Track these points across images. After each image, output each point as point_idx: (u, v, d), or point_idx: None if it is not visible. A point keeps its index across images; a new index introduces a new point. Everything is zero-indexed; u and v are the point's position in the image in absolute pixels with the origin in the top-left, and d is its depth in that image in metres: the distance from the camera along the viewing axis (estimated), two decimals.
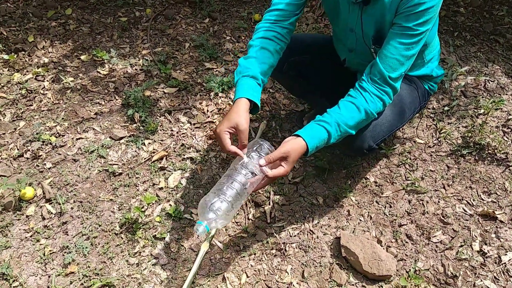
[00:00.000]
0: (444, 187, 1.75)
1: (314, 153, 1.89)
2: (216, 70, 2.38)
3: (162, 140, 2.01)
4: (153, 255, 1.60)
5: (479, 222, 1.64)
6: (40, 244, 1.63)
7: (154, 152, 1.95)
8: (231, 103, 1.51)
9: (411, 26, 1.30)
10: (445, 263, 1.53)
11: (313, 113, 2.03)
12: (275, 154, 1.27)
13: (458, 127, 1.95)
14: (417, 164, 1.84)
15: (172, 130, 2.05)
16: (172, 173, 1.86)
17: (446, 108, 2.03)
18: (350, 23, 1.54)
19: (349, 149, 1.59)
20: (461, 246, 1.57)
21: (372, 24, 1.45)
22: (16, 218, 1.72)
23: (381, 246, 1.57)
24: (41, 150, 1.95)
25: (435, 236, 1.60)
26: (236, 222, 1.69)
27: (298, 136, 1.31)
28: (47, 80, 2.30)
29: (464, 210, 1.67)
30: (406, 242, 1.60)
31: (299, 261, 1.58)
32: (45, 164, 1.89)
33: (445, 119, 1.99)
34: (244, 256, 1.59)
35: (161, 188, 1.81)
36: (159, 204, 1.75)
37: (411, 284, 1.47)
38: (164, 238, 1.64)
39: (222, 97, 2.21)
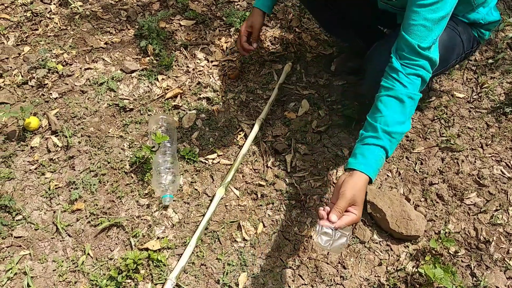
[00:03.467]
0: (482, 147, 1.61)
1: (342, 101, 1.75)
2: (238, 4, 2.16)
3: (177, 77, 1.85)
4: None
5: None
6: (45, 178, 1.53)
7: (168, 89, 1.80)
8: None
9: None
10: (478, 227, 1.42)
11: (343, 57, 1.85)
12: (341, 204, 1.06)
13: (502, 83, 1.77)
14: (453, 120, 1.68)
15: (188, 67, 1.89)
16: (186, 113, 1.73)
17: (490, 61, 1.84)
18: None
19: (373, 97, 1.41)
20: (497, 210, 1.46)
21: None
22: (20, 148, 1.61)
23: (410, 204, 1.46)
24: (47, 78, 1.80)
25: (469, 198, 1.48)
26: (254, 169, 1.58)
27: (352, 170, 1.11)
28: (54, 3, 2.11)
29: (502, 172, 1.54)
30: (437, 202, 1.49)
31: None
32: (51, 93, 1.76)
33: (488, 72, 1.81)
34: (261, 205, 1.49)
35: None
36: None
37: (441, 247, 1.37)
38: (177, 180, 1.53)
39: None
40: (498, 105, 1.70)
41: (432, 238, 1.40)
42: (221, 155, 1.61)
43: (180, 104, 1.75)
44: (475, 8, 1.40)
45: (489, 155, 1.58)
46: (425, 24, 1.14)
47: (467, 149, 1.60)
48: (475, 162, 1.57)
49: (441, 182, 1.53)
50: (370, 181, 1.12)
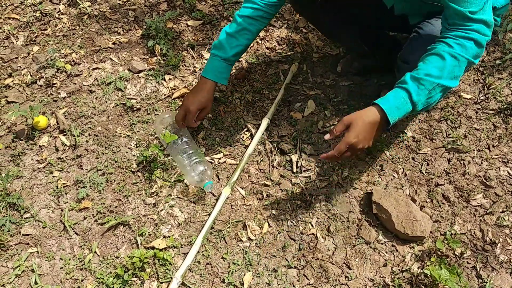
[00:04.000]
0: (488, 148, 1.60)
1: (348, 101, 1.75)
2: None
3: (183, 77, 1.86)
4: (171, 196, 1.51)
5: None
6: (53, 176, 1.55)
7: (175, 89, 1.82)
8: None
9: None
10: (484, 228, 1.41)
11: (349, 58, 1.85)
12: (337, 125, 1.13)
13: (510, 84, 1.76)
14: (460, 120, 1.68)
15: (194, 67, 1.90)
16: None
17: (497, 61, 1.83)
18: None
19: None
20: (503, 212, 1.45)
21: None
22: (29, 147, 1.63)
23: (416, 205, 1.45)
24: (56, 78, 1.82)
25: (475, 199, 1.48)
26: (260, 169, 1.58)
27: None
28: (62, 4, 2.13)
29: (509, 173, 1.53)
30: (443, 203, 1.49)
31: (325, 214, 1.47)
32: (59, 93, 1.78)
33: (495, 73, 1.80)
34: (267, 205, 1.50)
35: None
36: None
37: (446, 248, 1.37)
38: (183, 180, 1.54)
39: None
40: (505, 106, 1.69)
41: (438, 239, 1.39)
42: (227, 155, 1.62)
43: None
44: None
45: (496, 156, 1.58)
46: None
47: (474, 150, 1.60)
48: (481, 163, 1.56)
49: (447, 183, 1.53)
50: (387, 120, 1.13)
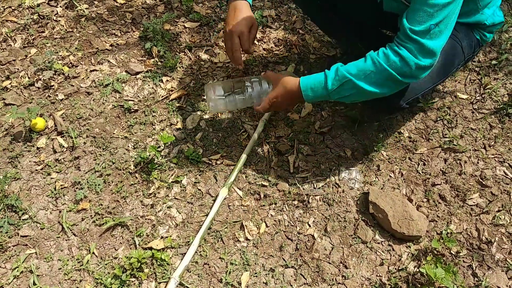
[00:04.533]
0: (484, 147, 1.61)
1: (346, 104, 1.75)
2: None
3: (181, 78, 1.87)
4: (169, 197, 1.51)
5: None
6: (51, 178, 1.56)
7: (172, 90, 1.82)
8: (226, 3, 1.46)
9: None
10: (480, 227, 1.42)
11: (346, 59, 1.85)
12: (269, 73, 1.39)
13: (505, 84, 1.78)
14: (456, 120, 1.69)
15: (192, 68, 1.91)
16: (190, 114, 1.74)
17: (493, 62, 1.84)
18: None
19: (375, 107, 1.44)
20: (499, 211, 1.46)
21: None
22: (26, 149, 1.63)
23: (412, 205, 1.46)
24: (53, 80, 1.83)
25: (471, 198, 1.49)
26: (257, 170, 1.59)
27: None
28: (60, 6, 2.14)
29: (505, 173, 1.54)
30: (439, 202, 1.49)
31: (322, 214, 1.48)
32: (57, 95, 1.78)
33: (491, 74, 1.81)
34: (264, 205, 1.50)
35: (178, 129, 1.70)
36: (177, 145, 1.64)
37: (442, 247, 1.37)
38: (181, 181, 1.55)
39: None
40: (501, 106, 1.70)
41: (434, 238, 1.40)
42: (224, 155, 1.63)
43: (184, 105, 1.77)
44: (479, 9, 1.39)
45: (492, 156, 1.59)
46: (427, 9, 1.10)
47: (470, 150, 1.61)
48: (478, 163, 1.57)
49: (444, 182, 1.54)
50: (302, 96, 1.28)
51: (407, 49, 1.14)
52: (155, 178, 1.55)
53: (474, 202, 1.48)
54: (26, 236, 1.43)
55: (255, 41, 2.00)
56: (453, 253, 1.38)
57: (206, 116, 1.74)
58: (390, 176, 1.57)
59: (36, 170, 1.58)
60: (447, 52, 1.37)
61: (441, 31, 1.13)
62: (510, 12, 2.06)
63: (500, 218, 1.43)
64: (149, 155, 1.58)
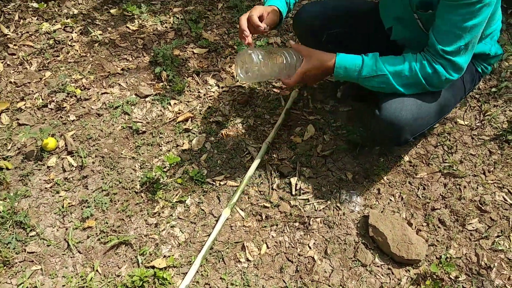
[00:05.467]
0: (484, 173, 1.63)
1: (347, 126, 1.79)
2: None
3: (188, 101, 1.94)
4: (172, 217, 1.55)
5: None
6: (60, 196, 1.61)
7: (179, 113, 1.88)
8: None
9: None
10: (480, 252, 1.43)
11: (349, 85, 1.91)
12: (301, 48, 1.36)
13: (505, 111, 1.81)
14: (456, 146, 1.71)
15: (199, 92, 1.98)
16: (196, 136, 1.80)
17: (493, 89, 1.88)
18: None
19: (383, 139, 1.48)
20: (498, 236, 1.47)
21: None
22: (37, 168, 1.69)
23: (412, 229, 1.48)
24: (66, 102, 1.91)
25: (471, 223, 1.50)
26: (260, 191, 1.62)
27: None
28: (75, 32, 2.24)
29: (505, 199, 1.56)
30: (439, 227, 1.51)
31: (323, 236, 1.50)
32: (68, 116, 1.85)
33: (491, 101, 1.85)
34: (265, 226, 1.53)
35: (184, 150, 1.75)
36: (182, 166, 1.69)
37: (442, 272, 1.38)
38: (185, 201, 1.59)
39: None
40: (500, 132, 1.73)
41: (433, 262, 1.41)
42: (228, 176, 1.67)
43: (190, 128, 1.83)
44: (483, 39, 1.44)
45: (492, 182, 1.60)
46: (455, 31, 1.21)
47: (470, 175, 1.63)
48: (477, 188, 1.59)
49: (443, 207, 1.56)
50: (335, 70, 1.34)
51: (441, 65, 1.26)
52: (160, 198, 1.59)
53: (473, 227, 1.49)
54: (32, 252, 1.46)
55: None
56: (452, 277, 1.38)
57: (212, 138, 1.79)
58: (390, 200, 1.59)
59: (46, 188, 1.63)
60: (452, 88, 1.42)
61: (467, 50, 1.26)
62: (510, 41, 2.11)
63: (500, 244, 1.44)
64: (155, 175, 1.63)
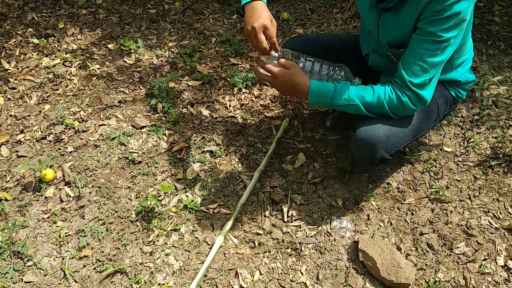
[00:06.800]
0: (469, 198, 1.69)
1: (336, 154, 1.86)
2: (241, 66, 2.36)
3: (183, 132, 2.00)
4: (167, 245, 1.58)
5: (505, 236, 1.57)
6: (57, 226, 1.64)
7: (174, 143, 1.94)
8: (241, 8, 1.42)
9: (435, 32, 1.25)
10: (467, 276, 1.47)
11: (338, 114, 1.99)
12: (285, 62, 1.42)
13: (488, 138, 1.88)
14: (442, 172, 1.78)
15: (193, 123, 2.05)
16: (191, 165, 1.85)
17: (476, 117, 1.96)
18: (368, 25, 1.51)
19: (361, 157, 1.53)
20: (485, 259, 1.51)
21: (389, 30, 1.41)
22: (35, 198, 1.73)
23: (401, 253, 1.52)
24: (64, 133, 1.97)
25: (458, 247, 1.54)
26: (252, 218, 1.66)
27: None
28: (74, 66, 2.33)
29: (490, 222, 1.61)
30: (427, 251, 1.55)
31: (315, 262, 1.54)
32: (66, 147, 1.91)
33: (474, 128, 1.93)
34: (258, 253, 1.57)
35: (179, 179, 1.80)
36: (176, 194, 1.74)
37: None
38: (179, 229, 1.63)
39: (246, 93, 2.19)
40: (484, 158, 1.80)
41: (422, 286, 1.44)
42: (221, 204, 1.71)
43: (185, 157, 1.88)
44: (454, 68, 1.55)
45: (477, 206, 1.66)
46: (423, 65, 1.31)
47: (456, 200, 1.68)
48: (463, 212, 1.64)
49: (431, 232, 1.60)
50: (309, 95, 1.41)
51: (408, 97, 1.36)
52: (155, 226, 1.63)
53: (461, 251, 1.53)
54: (29, 282, 1.49)
55: (252, 98, 2.15)
56: None
57: (206, 167, 1.84)
58: (379, 225, 1.64)
59: (43, 218, 1.67)
60: (425, 109, 1.50)
61: (432, 84, 1.36)
62: (491, 71, 2.21)
63: (486, 267, 1.48)
64: (150, 204, 1.67)
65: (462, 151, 1.85)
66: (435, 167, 1.80)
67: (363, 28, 1.60)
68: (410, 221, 1.64)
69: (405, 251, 1.55)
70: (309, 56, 1.51)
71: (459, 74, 1.57)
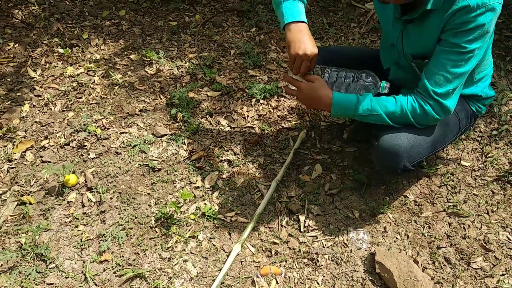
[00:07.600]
0: (487, 213, 1.68)
1: (353, 166, 1.87)
2: (259, 78, 2.40)
3: (202, 141, 2.04)
4: (185, 251, 1.61)
5: None
6: (78, 230, 1.68)
7: (193, 152, 1.98)
8: (283, 25, 1.42)
9: (460, 43, 1.27)
10: None
11: (355, 126, 2.01)
12: (310, 76, 1.47)
13: (506, 153, 1.88)
14: (460, 186, 1.78)
15: (212, 132, 2.08)
16: (209, 173, 1.88)
17: (494, 132, 1.96)
18: (391, 38, 1.53)
19: (384, 167, 1.54)
20: (503, 275, 1.50)
21: (413, 42, 1.43)
22: (58, 203, 1.78)
23: (418, 266, 1.52)
24: (87, 140, 2.02)
25: (476, 262, 1.54)
26: (269, 228, 1.68)
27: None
28: (97, 75, 2.39)
29: (508, 238, 1.60)
30: (444, 265, 1.55)
31: (331, 273, 1.55)
32: (89, 154, 1.96)
33: (492, 143, 1.93)
34: (275, 262, 1.58)
35: (197, 187, 1.83)
36: (195, 202, 1.77)
37: None
38: (197, 236, 1.65)
39: (263, 104, 2.22)
40: (502, 173, 1.79)
41: None
42: (239, 213, 1.74)
43: (203, 166, 1.92)
44: (474, 83, 1.56)
45: (495, 221, 1.65)
46: (446, 75, 1.32)
47: (473, 214, 1.68)
48: (481, 227, 1.64)
49: (449, 245, 1.60)
50: (332, 108, 1.45)
51: (431, 106, 1.37)
52: (174, 233, 1.66)
53: (478, 266, 1.53)
54: (51, 284, 1.52)
55: (270, 109, 2.18)
56: None
57: (224, 176, 1.87)
58: (396, 238, 1.64)
59: (65, 222, 1.71)
60: (447, 122, 1.51)
61: (455, 94, 1.37)
62: (509, 87, 2.21)
63: (504, 282, 1.47)
64: (169, 211, 1.70)
65: (480, 165, 1.85)
66: (453, 181, 1.80)
67: (385, 41, 1.63)
68: (427, 235, 1.64)
69: (422, 264, 1.55)
70: (334, 67, 1.54)
71: (479, 89, 1.58)
